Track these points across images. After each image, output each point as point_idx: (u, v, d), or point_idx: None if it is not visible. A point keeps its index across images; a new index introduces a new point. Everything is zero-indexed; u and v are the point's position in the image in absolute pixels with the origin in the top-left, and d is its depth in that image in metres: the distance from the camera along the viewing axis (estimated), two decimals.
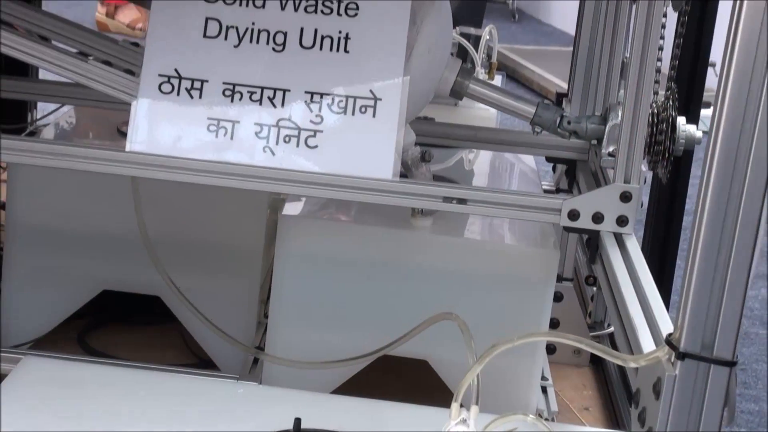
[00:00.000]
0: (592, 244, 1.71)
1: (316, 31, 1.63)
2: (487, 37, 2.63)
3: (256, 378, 1.82)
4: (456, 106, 2.44)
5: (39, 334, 1.97)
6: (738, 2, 1.16)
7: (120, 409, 1.34)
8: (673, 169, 1.82)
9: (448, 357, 1.75)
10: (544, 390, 1.95)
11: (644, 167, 1.75)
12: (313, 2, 1.64)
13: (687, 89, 2.25)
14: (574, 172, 2.08)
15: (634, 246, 1.62)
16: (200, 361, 1.98)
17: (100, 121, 2.17)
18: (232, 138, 1.62)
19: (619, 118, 1.71)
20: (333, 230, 1.78)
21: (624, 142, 1.66)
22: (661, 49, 1.70)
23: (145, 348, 2.02)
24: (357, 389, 1.68)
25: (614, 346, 1.65)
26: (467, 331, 1.35)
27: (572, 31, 2.17)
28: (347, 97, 1.62)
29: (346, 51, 1.63)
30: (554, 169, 2.48)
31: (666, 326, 1.34)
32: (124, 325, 2.09)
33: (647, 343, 1.34)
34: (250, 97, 1.62)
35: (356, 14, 1.64)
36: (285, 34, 1.64)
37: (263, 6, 1.64)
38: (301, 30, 1.64)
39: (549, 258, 1.77)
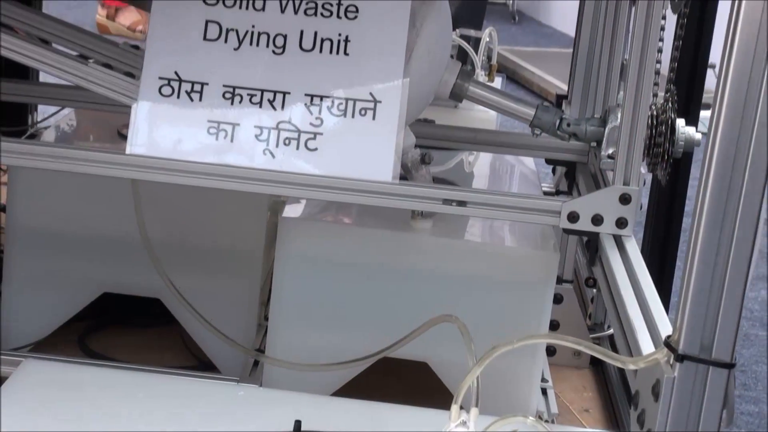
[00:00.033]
0: (591, 246, 1.71)
1: (315, 33, 1.64)
2: (487, 39, 2.63)
3: (257, 380, 1.82)
4: (456, 108, 2.44)
5: (39, 336, 1.97)
6: (736, 2, 1.16)
7: (120, 412, 1.34)
8: (672, 171, 1.82)
9: (448, 359, 1.75)
10: (544, 392, 1.95)
11: (644, 169, 1.76)
12: (313, 5, 1.64)
13: (686, 91, 2.25)
14: (574, 174, 2.08)
15: (633, 248, 1.62)
16: (200, 364, 1.98)
17: (100, 124, 2.17)
18: (232, 140, 1.62)
19: (619, 120, 1.71)
20: (333, 232, 1.79)
21: (623, 144, 1.67)
22: (660, 51, 1.71)
23: (145, 350, 2.02)
24: (357, 391, 1.68)
25: (614, 348, 1.66)
26: (467, 333, 1.35)
27: (572, 33, 2.17)
28: (347, 99, 1.62)
29: (345, 53, 1.64)
30: (554, 171, 2.48)
31: (665, 328, 1.34)
32: (124, 328, 2.10)
33: (646, 345, 1.34)
34: (250, 100, 1.63)
35: (356, 17, 1.64)
36: (285, 37, 1.64)
37: (263, 9, 1.64)
38: (301, 32, 1.64)
39: (549, 260, 1.77)
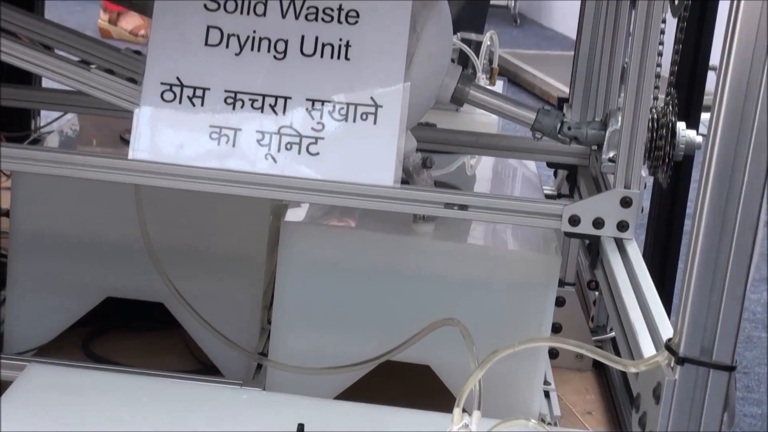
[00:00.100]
0: (593, 249, 1.71)
1: (316, 38, 1.64)
2: (488, 43, 2.64)
3: (260, 384, 1.83)
4: (457, 111, 2.45)
5: (43, 341, 1.98)
6: (735, 2, 1.17)
7: (124, 416, 1.35)
8: (673, 174, 1.83)
9: (451, 362, 1.76)
10: (546, 394, 1.96)
11: (644, 172, 1.76)
12: (314, 10, 1.65)
13: (687, 94, 2.26)
14: (575, 178, 2.09)
15: (634, 251, 1.63)
16: (204, 367, 1.98)
17: (103, 129, 2.18)
18: (234, 145, 1.63)
19: (619, 123, 1.72)
20: (335, 236, 1.79)
21: (624, 148, 1.67)
22: (660, 54, 1.71)
23: (148, 354, 2.03)
24: (360, 394, 1.68)
25: (616, 351, 1.66)
26: (469, 336, 1.36)
27: (574, 35, 2.17)
28: (348, 104, 1.63)
29: (346, 58, 1.64)
30: (555, 174, 2.48)
31: (666, 331, 1.34)
32: (127, 332, 2.10)
33: (648, 348, 1.35)
34: (252, 105, 1.63)
35: (356, 22, 1.64)
36: (286, 42, 1.65)
37: (264, 14, 1.65)
38: (302, 38, 1.64)
39: (550, 263, 1.78)
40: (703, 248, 1.20)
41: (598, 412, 2.03)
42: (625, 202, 1.65)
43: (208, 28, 1.65)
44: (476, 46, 2.61)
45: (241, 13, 1.65)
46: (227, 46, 1.65)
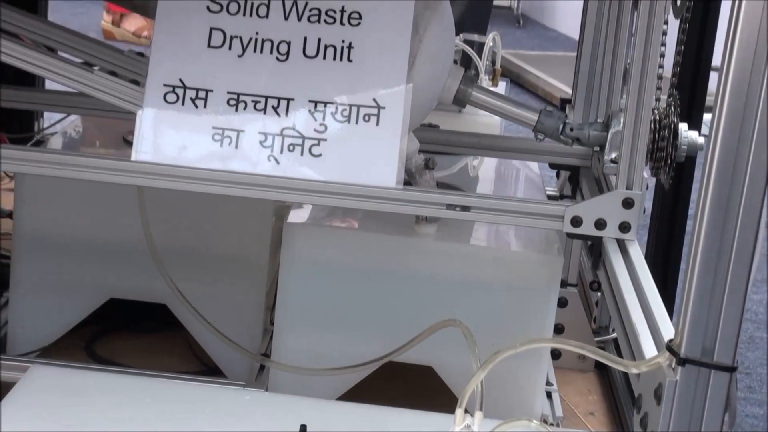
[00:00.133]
0: (595, 250, 1.72)
1: (319, 40, 1.65)
2: (491, 44, 2.64)
3: (263, 385, 1.83)
4: (460, 113, 2.45)
5: (46, 342, 1.98)
6: (736, 2, 1.17)
7: (127, 417, 1.35)
8: (675, 175, 1.83)
9: (453, 363, 1.76)
10: (549, 395, 1.96)
11: (647, 174, 1.76)
12: (317, 11, 1.65)
13: (689, 95, 2.26)
14: (578, 179, 2.09)
15: (636, 252, 1.63)
16: (207, 369, 1.99)
17: (106, 130, 2.18)
18: (236, 147, 1.63)
19: (621, 124, 1.72)
20: (338, 237, 1.79)
21: (626, 149, 1.67)
22: (662, 56, 1.71)
23: (151, 355, 2.03)
24: (362, 395, 1.69)
25: (619, 351, 1.66)
26: (471, 337, 1.36)
27: (577, 36, 2.18)
28: (350, 105, 1.63)
29: (349, 60, 1.64)
30: (558, 175, 2.48)
31: (668, 332, 1.34)
32: (130, 333, 2.10)
33: (649, 349, 1.35)
34: (255, 107, 1.64)
35: (359, 23, 1.65)
36: (288, 44, 1.65)
37: (267, 16, 1.65)
38: (305, 39, 1.65)
39: (553, 264, 1.78)
40: (704, 249, 1.20)
41: (600, 413, 2.03)
42: (627, 204, 1.66)
43: (211, 29, 1.65)
44: (479, 48, 2.61)
45: (244, 14, 1.66)
46: (230, 48, 1.65)
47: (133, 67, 1.85)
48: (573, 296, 2.15)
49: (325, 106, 1.63)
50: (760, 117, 1.17)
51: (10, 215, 2.13)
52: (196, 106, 1.64)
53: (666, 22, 1.71)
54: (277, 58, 1.65)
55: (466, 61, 2.56)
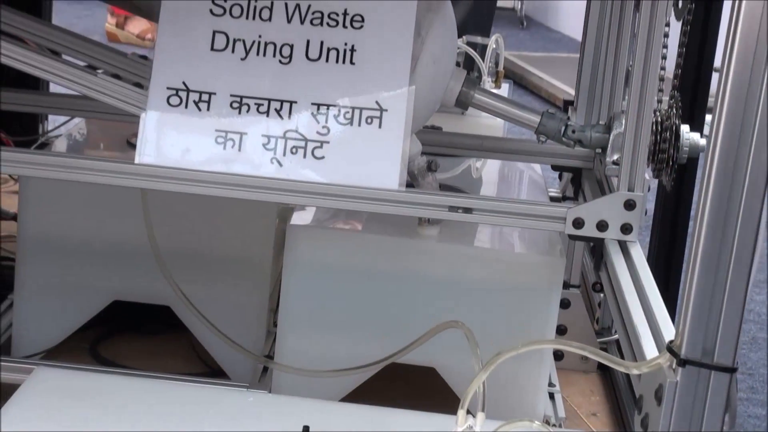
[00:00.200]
0: (596, 251, 1.72)
1: (322, 43, 1.65)
2: (494, 46, 2.65)
3: (266, 386, 1.84)
4: (463, 114, 2.45)
5: (51, 344, 1.99)
6: (736, 2, 1.17)
7: (131, 419, 1.35)
8: (677, 176, 1.83)
9: (456, 364, 1.77)
10: (551, 396, 1.96)
11: (648, 175, 1.77)
12: (319, 14, 1.66)
13: (691, 96, 2.26)
14: (580, 180, 2.09)
15: (638, 253, 1.63)
16: (210, 370, 1.99)
17: (110, 133, 2.19)
18: (239, 150, 1.64)
19: (623, 126, 1.73)
20: (340, 239, 1.80)
21: (627, 151, 1.68)
22: (664, 57, 1.72)
23: (155, 357, 2.04)
24: (365, 396, 1.69)
25: (621, 353, 1.67)
26: (473, 338, 1.37)
27: (580, 38, 2.18)
28: (353, 108, 1.64)
29: (351, 63, 1.65)
30: (560, 176, 2.49)
31: (669, 333, 1.35)
32: (134, 335, 2.11)
33: (650, 350, 1.36)
34: (258, 109, 1.64)
35: (362, 26, 1.65)
36: (291, 47, 1.65)
37: (270, 19, 1.66)
38: (308, 42, 1.65)
39: (555, 266, 1.78)
40: (705, 250, 1.21)
41: (603, 414, 2.03)
42: (629, 205, 1.66)
43: (214, 33, 1.66)
44: (482, 49, 2.61)
45: (247, 18, 1.66)
46: (233, 51, 1.66)
47: (136, 70, 1.86)
48: (575, 297, 2.15)
49: (328, 108, 1.64)
50: (760, 118, 1.18)
51: (14, 218, 2.14)
52: (200, 109, 1.64)
53: (668, 24, 1.72)
54: (280, 61, 1.65)
55: (469, 63, 2.56)
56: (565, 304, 2.08)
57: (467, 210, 1.66)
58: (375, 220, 1.81)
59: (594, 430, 1.97)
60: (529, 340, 1.32)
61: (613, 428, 1.99)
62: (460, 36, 2.35)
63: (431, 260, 1.78)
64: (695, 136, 1.79)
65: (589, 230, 1.67)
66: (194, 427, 1.35)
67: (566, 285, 2.17)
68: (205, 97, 1.64)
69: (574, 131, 1.84)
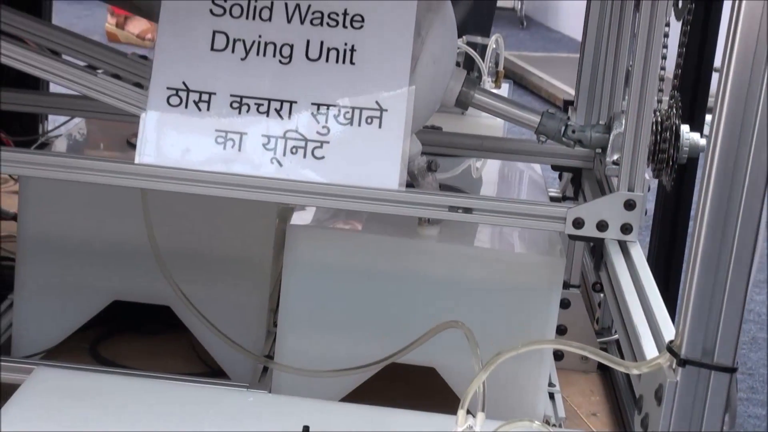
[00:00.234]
0: (596, 251, 1.72)
1: (322, 43, 1.65)
2: (494, 46, 2.65)
3: (266, 386, 1.84)
4: (463, 114, 2.45)
5: (51, 344, 1.99)
6: (736, 2, 1.17)
7: (131, 419, 1.35)
8: (677, 176, 1.83)
9: (456, 364, 1.77)
10: (551, 396, 1.96)
11: (648, 175, 1.77)
12: (319, 14, 1.66)
13: (691, 96, 2.26)
14: (580, 180, 2.09)
15: (638, 253, 1.63)
16: (210, 370, 1.99)
17: (110, 133, 2.19)
18: (239, 149, 1.64)
19: (623, 126, 1.73)
20: (340, 239, 1.80)
21: (627, 151, 1.68)
22: (664, 57, 1.72)
23: (155, 357, 2.04)
24: (365, 396, 1.69)
25: (621, 353, 1.67)
26: (473, 338, 1.37)
27: (580, 38, 2.18)
28: (353, 108, 1.64)
29: (351, 63, 1.65)
30: (561, 176, 2.49)
31: (669, 333, 1.35)
32: (134, 335, 2.11)
33: (650, 350, 1.36)
34: (258, 109, 1.64)
35: (362, 26, 1.65)
36: (291, 47, 1.66)
37: (270, 19, 1.66)
38: (308, 42, 1.65)
39: (555, 266, 1.79)
40: (704, 250, 1.21)
41: (603, 414, 2.03)
42: (629, 205, 1.66)
43: (214, 33, 1.66)
44: (482, 49, 2.61)
45: (247, 18, 1.66)
46: (233, 51, 1.66)
47: (136, 70, 1.86)
48: (575, 297, 2.15)
49: (328, 108, 1.64)
50: (760, 117, 1.18)
51: (14, 218, 2.14)
52: (200, 109, 1.64)
53: (668, 24, 1.72)
54: (280, 61, 1.65)
55: (469, 63, 2.56)
56: (565, 304, 2.08)
57: (467, 210, 1.66)
58: (375, 220, 1.81)
59: (594, 430, 1.97)
60: (529, 340, 1.32)
61: (613, 428, 1.99)
62: (460, 36, 2.35)
63: (431, 260, 1.78)
64: (695, 136, 1.79)
65: (589, 230, 1.67)
66: (194, 427, 1.35)
67: (566, 285, 2.17)
68: (205, 97, 1.64)
69: (574, 131, 1.84)
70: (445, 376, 1.80)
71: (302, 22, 1.66)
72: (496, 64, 2.69)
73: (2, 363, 1.77)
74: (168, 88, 1.65)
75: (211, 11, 1.66)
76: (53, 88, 2.50)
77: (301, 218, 1.83)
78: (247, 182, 1.64)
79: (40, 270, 1.97)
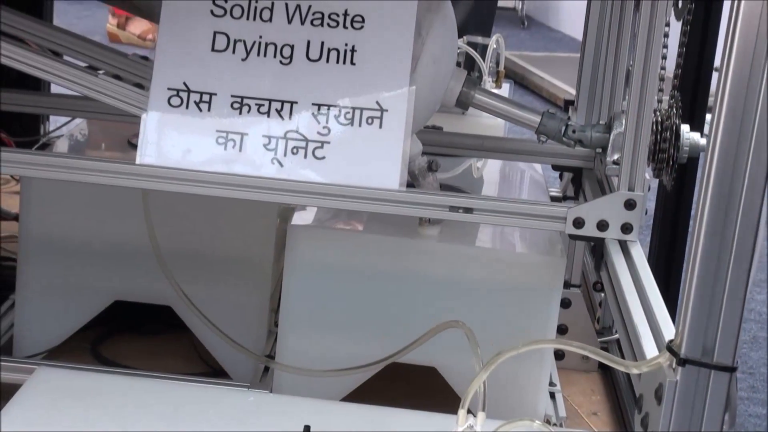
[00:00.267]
0: (597, 251, 1.72)
1: (322, 43, 1.66)
2: (494, 46, 2.65)
3: (267, 386, 1.84)
4: (464, 114, 2.45)
5: (52, 344, 1.99)
6: (735, 2, 1.18)
7: (132, 418, 1.36)
8: (678, 176, 1.83)
9: (457, 364, 1.77)
10: (552, 395, 1.96)
11: (649, 175, 1.77)
12: (320, 15, 1.66)
13: (691, 96, 2.27)
14: (581, 180, 2.09)
15: (638, 253, 1.64)
16: (211, 370, 1.99)
17: (111, 134, 2.19)
18: (240, 150, 1.64)
19: (623, 126, 1.73)
20: (341, 239, 1.80)
21: (628, 150, 1.68)
22: (664, 57, 1.72)
23: (156, 357, 2.04)
24: (365, 396, 1.70)
25: (622, 352, 1.67)
26: (473, 338, 1.37)
27: (581, 38, 2.19)
28: (354, 108, 1.64)
29: (352, 63, 1.65)
30: (561, 176, 2.49)
31: (669, 332, 1.35)
32: (135, 335, 2.11)
33: (650, 349, 1.36)
34: (258, 110, 1.64)
35: (362, 27, 1.66)
36: (292, 47, 1.66)
37: (270, 20, 1.66)
38: (308, 43, 1.66)
39: (555, 265, 1.79)
40: (704, 249, 1.21)
41: (603, 413, 2.04)
42: (629, 205, 1.66)
43: (215, 33, 1.66)
44: (483, 49, 2.61)
45: (248, 18, 1.66)
46: (234, 52, 1.66)
47: (137, 70, 1.86)
48: (576, 297, 2.15)
49: (329, 109, 1.64)
50: (760, 117, 1.18)
51: (16, 218, 2.14)
52: (200, 110, 1.65)
53: (668, 24, 1.72)
54: (281, 62, 1.66)
55: (469, 63, 2.56)
56: (566, 303, 2.09)
57: (468, 210, 1.67)
58: (376, 220, 1.82)
59: (595, 429, 1.98)
60: (529, 340, 1.33)
61: (614, 427, 1.99)
62: (460, 36, 2.35)
63: (432, 260, 1.78)
64: (695, 135, 1.79)
65: (590, 230, 1.67)
66: (195, 426, 1.35)
67: (567, 284, 2.18)
68: (205, 97, 1.65)
69: (574, 131, 1.85)
70: (445, 376, 1.80)
71: (303, 23, 1.66)
72: (497, 63, 2.69)
73: (4, 363, 1.77)
74: (169, 89, 1.65)
75: (211, 12, 1.66)
76: (54, 88, 2.51)
77: (301, 218, 1.83)
78: (248, 182, 1.64)
79: (42, 270, 1.97)
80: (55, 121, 2.85)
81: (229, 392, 1.65)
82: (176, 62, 1.65)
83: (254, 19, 1.66)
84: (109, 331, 2.10)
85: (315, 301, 1.80)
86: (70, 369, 1.71)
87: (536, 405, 1.82)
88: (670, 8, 1.75)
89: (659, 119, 1.78)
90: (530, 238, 1.86)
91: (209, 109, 1.64)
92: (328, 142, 1.64)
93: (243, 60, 1.66)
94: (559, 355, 2.11)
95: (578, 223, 1.67)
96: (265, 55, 1.66)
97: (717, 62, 2.18)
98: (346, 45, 1.66)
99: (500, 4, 5.93)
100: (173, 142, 1.64)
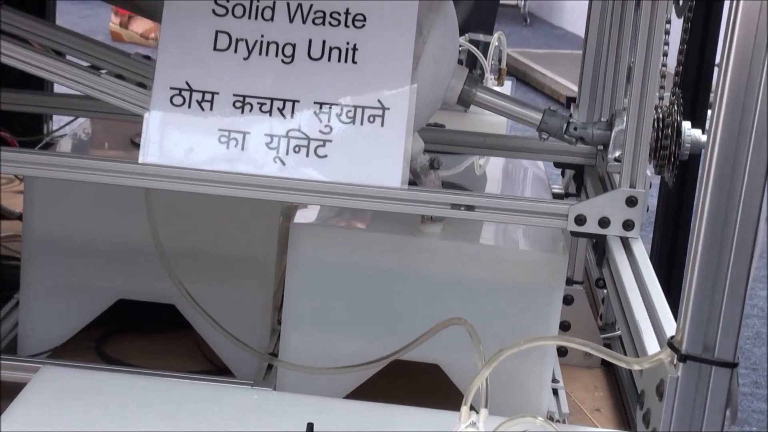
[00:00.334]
0: (599, 248, 1.73)
1: (324, 42, 1.66)
2: (496, 43, 2.65)
3: (270, 384, 1.84)
4: (466, 112, 2.45)
5: (56, 343, 2.00)
6: (734, 1, 1.18)
7: (136, 417, 1.36)
8: (679, 173, 1.83)
9: (459, 361, 1.77)
10: (555, 392, 1.97)
11: (650, 172, 1.77)
12: (321, 14, 1.66)
13: (692, 93, 2.27)
14: (582, 177, 2.10)
15: (640, 250, 1.64)
16: (215, 368, 2.00)
17: (114, 133, 2.20)
18: (243, 149, 1.64)
19: (625, 123, 1.73)
20: (344, 237, 1.81)
21: (629, 147, 1.68)
22: (665, 54, 1.72)
23: (160, 356, 2.05)
24: (368, 394, 1.70)
25: (624, 349, 1.67)
26: (476, 335, 1.37)
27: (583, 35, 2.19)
28: (355, 106, 1.64)
29: (353, 62, 1.66)
30: (563, 173, 2.49)
31: (670, 328, 1.35)
32: (139, 334, 2.12)
33: (652, 346, 1.36)
34: (260, 109, 1.65)
35: (363, 25, 1.66)
36: (294, 46, 1.66)
37: (272, 19, 1.67)
38: (310, 42, 1.66)
39: (558, 262, 1.79)
40: (705, 245, 1.21)
41: (606, 409, 2.04)
42: (631, 202, 1.67)
43: (217, 32, 1.67)
44: (485, 47, 2.62)
45: (249, 17, 1.67)
46: (235, 51, 1.66)
47: (139, 70, 1.87)
48: (579, 293, 2.16)
49: (330, 107, 1.65)
50: (759, 113, 1.18)
51: (19, 217, 2.15)
52: (203, 109, 1.65)
53: (669, 21, 1.72)
54: (283, 61, 1.66)
55: (471, 61, 2.56)
56: (568, 300, 2.09)
57: (470, 207, 1.67)
58: (378, 218, 1.82)
59: (598, 425, 1.98)
60: (531, 337, 1.33)
61: (617, 424, 1.99)
62: (463, 34, 2.35)
63: (434, 258, 1.79)
64: (697, 132, 1.79)
65: (592, 227, 1.68)
66: (199, 425, 1.36)
67: (570, 281, 2.18)
68: (208, 96, 1.65)
69: (575, 128, 1.85)
70: (448, 373, 1.80)
71: (304, 22, 1.66)
72: (499, 61, 2.69)
73: (8, 362, 1.78)
74: (171, 88, 1.65)
75: (213, 11, 1.67)
76: (57, 88, 2.51)
77: (304, 216, 1.83)
78: (251, 181, 1.64)
79: (46, 269, 1.98)
80: (58, 121, 2.86)
81: (232, 390, 1.64)
82: (178, 62, 1.66)
83: (256, 18, 1.67)
84: (112, 330, 2.11)
85: (318, 298, 1.80)
86: (74, 368, 1.71)
87: (539, 401, 1.82)
88: (671, 5, 1.75)
89: (661, 116, 1.79)
90: (532, 235, 1.86)
91: (211, 108, 1.65)
92: (330, 141, 1.64)
93: (245, 59, 1.66)
94: (561, 351, 2.12)
95: (580, 220, 1.67)
96: (266, 54, 1.66)
97: (718, 59, 2.19)
98: (348, 44, 1.66)
99: (502, 1, 5.93)
100: (176, 141, 1.65)
